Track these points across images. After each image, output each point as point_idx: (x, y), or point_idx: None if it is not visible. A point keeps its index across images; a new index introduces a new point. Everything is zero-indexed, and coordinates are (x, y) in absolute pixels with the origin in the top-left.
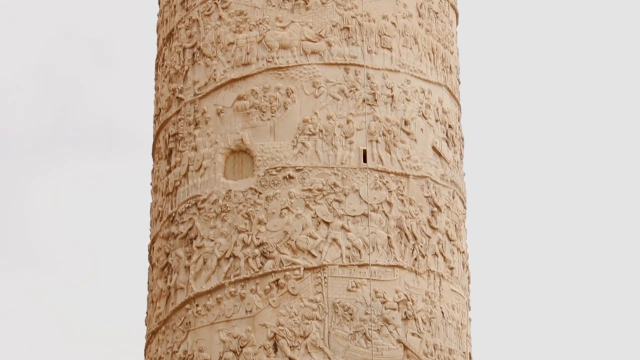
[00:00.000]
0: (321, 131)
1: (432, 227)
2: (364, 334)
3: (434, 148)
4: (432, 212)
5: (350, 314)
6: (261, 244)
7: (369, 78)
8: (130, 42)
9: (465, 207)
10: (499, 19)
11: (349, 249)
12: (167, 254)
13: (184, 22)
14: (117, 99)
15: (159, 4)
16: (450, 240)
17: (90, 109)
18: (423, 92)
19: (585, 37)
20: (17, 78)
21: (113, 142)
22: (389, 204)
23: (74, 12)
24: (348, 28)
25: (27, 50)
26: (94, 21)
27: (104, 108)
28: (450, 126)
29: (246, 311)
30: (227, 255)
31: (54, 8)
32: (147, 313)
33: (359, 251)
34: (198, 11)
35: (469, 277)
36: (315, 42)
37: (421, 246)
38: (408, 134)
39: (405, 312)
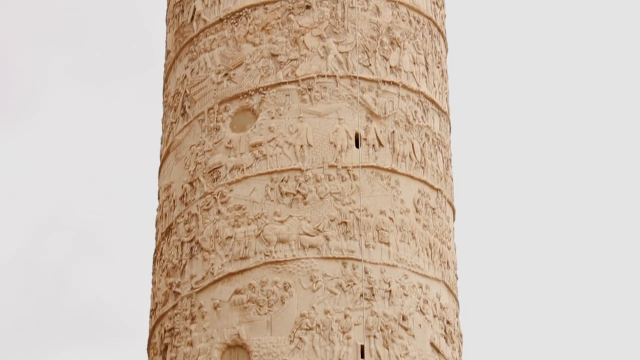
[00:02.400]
0: (318, 326)
1: None
2: None
3: (432, 344)
4: None
5: None
6: None
7: (366, 272)
8: (124, 233)
9: None
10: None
11: None
12: None
13: (183, 216)
14: (109, 289)
15: (159, 198)
16: None
17: (81, 298)
18: (421, 287)
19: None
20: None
21: (103, 335)
22: None
23: (62, 201)
24: (346, 222)
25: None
26: (84, 209)
27: (94, 298)
28: (448, 322)
29: None
30: None
31: (42, 196)
32: None
33: None
34: (197, 206)
35: None
36: (313, 236)
37: None
38: (406, 329)
39: None
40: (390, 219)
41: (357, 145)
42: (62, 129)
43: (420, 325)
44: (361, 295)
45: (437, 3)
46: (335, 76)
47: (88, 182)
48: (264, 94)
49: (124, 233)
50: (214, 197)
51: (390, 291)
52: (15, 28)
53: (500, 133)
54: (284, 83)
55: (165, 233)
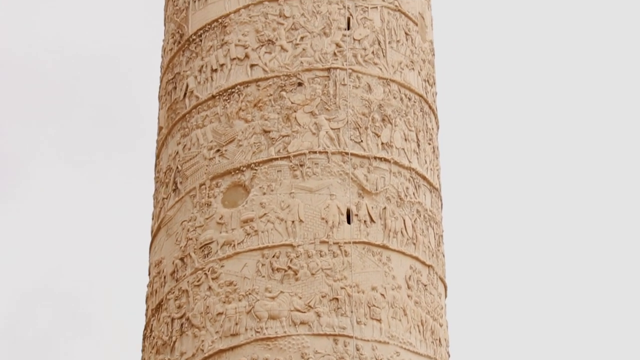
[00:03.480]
0: None
1: None
2: None
3: None
4: None
5: None
6: None
7: (358, 349)
8: (114, 311)
9: None
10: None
11: None
12: None
13: (174, 292)
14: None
15: (149, 274)
16: None
17: None
18: None
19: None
20: None
21: None
22: None
23: (49, 278)
24: (337, 299)
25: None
26: (72, 286)
27: None
28: None
29: None
30: None
31: (28, 271)
32: None
33: None
34: (188, 282)
35: None
36: (305, 312)
37: None
38: None
39: None
40: (382, 295)
41: (348, 222)
42: (48, 202)
43: None
44: None
45: (428, 81)
46: (327, 152)
47: (76, 259)
48: (255, 169)
49: (114, 311)
50: (205, 273)
51: None
52: (1, 100)
53: (491, 209)
54: (276, 159)
55: (155, 309)
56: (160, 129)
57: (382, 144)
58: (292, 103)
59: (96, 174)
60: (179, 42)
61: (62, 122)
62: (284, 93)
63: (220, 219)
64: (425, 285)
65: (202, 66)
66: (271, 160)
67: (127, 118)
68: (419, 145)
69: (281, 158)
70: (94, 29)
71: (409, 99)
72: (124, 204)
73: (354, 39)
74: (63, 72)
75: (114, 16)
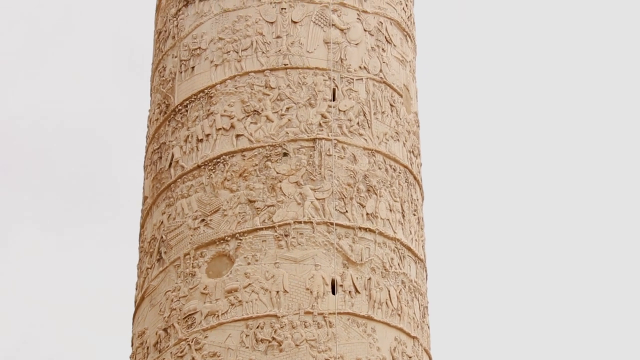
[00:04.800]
0: None
1: None
2: None
3: None
4: None
5: None
6: None
7: None
8: None
9: None
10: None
11: None
12: None
13: None
14: None
15: (132, 345)
16: None
17: None
18: None
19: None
20: None
21: None
22: None
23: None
24: None
25: None
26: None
27: None
28: None
29: None
30: None
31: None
32: None
33: None
34: (171, 353)
35: None
36: None
37: None
38: None
39: None
40: None
41: (333, 292)
42: (25, 271)
43: None
44: None
45: (413, 152)
46: (312, 222)
47: (54, 328)
48: (240, 239)
49: None
50: (189, 344)
51: None
52: None
53: (475, 282)
54: (261, 229)
55: None
56: (145, 198)
57: (367, 214)
58: (277, 173)
59: (73, 242)
60: (165, 113)
61: (39, 190)
62: (269, 163)
63: (204, 289)
64: (410, 357)
65: (188, 136)
66: (256, 230)
67: (105, 188)
68: (403, 216)
69: (266, 228)
70: (72, 100)
71: (394, 170)
72: (102, 273)
73: (340, 110)
74: (41, 142)
75: (93, 88)
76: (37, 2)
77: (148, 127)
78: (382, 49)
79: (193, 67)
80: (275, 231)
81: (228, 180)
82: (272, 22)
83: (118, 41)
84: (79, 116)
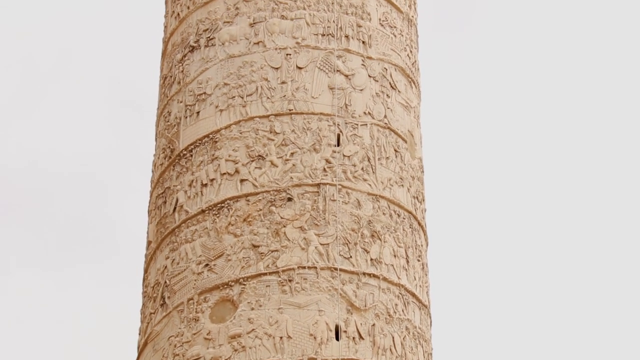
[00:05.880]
0: None
1: None
2: None
3: None
4: None
5: None
6: None
7: None
8: None
9: None
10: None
11: None
12: None
13: None
14: None
15: None
16: None
17: None
18: None
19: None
20: None
21: None
22: None
23: None
24: None
25: None
26: None
27: None
28: None
29: None
30: None
31: None
32: None
33: None
34: None
35: None
36: None
37: None
38: None
39: None
40: None
41: (337, 338)
42: (21, 311)
43: None
44: None
45: (417, 197)
46: (316, 268)
47: None
48: (244, 284)
49: None
50: None
51: None
52: None
53: (480, 328)
54: (265, 274)
55: None
56: (149, 243)
57: (371, 260)
58: (281, 218)
59: (70, 283)
60: (170, 157)
61: (36, 231)
62: (273, 208)
63: (207, 334)
64: None
65: (193, 181)
66: (260, 275)
67: (102, 231)
68: (408, 262)
69: (270, 273)
70: (68, 142)
71: (398, 216)
72: (106, 316)
73: (344, 155)
74: (38, 184)
75: (88, 130)
76: (33, 45)
77: (153, 171)
78: (387, 95)
79: (198, 112)
80: (279, 276)
81: (232, 225)
82: (277, 68)
83: (113, 83)
84: (75, 158)
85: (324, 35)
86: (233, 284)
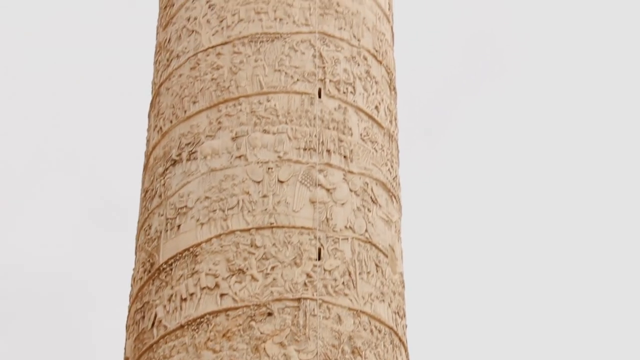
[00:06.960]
0: None
1: None
2: None
3: None
4: None
5: None
6: None
7: None
8: None
9: None
10: None
11: None
12: None
13: None
14: None
15: None
16: None
17: None
18: None
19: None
20: None
21: None
22: None
23: None
24: None
25: None
26: None
27: None
28: None
29: None
30: None
31: None
32: None
33: None
34: None
35: None
36: None
37: None
38: None
39: None
40: None
41: None
42: None
43: None
44: None
45: (398, 313)
46: None
47: None
48: None
49: None
50: None
51: None
52: None
53: None
54: None
55: None
56: (126, 359)
57: None
58: (261, 333)
59: None
60: (149, 271)
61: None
62: (253, 323)
63: None
64: None
65: (172, 295)
66: None
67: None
68: None
69: None
70: (44, 247)
71: (379, 331)
72: None
73: (325, 270)
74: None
75: (66, 232)
76: (6, 147)
77: (132, 285)
78: (368, 209)
79: (179, 226)
80: None
81: (211, 341)
82: (258, 182)
83: (89, 187)
84: (53, 261)
85: (306, 149)
86: None
